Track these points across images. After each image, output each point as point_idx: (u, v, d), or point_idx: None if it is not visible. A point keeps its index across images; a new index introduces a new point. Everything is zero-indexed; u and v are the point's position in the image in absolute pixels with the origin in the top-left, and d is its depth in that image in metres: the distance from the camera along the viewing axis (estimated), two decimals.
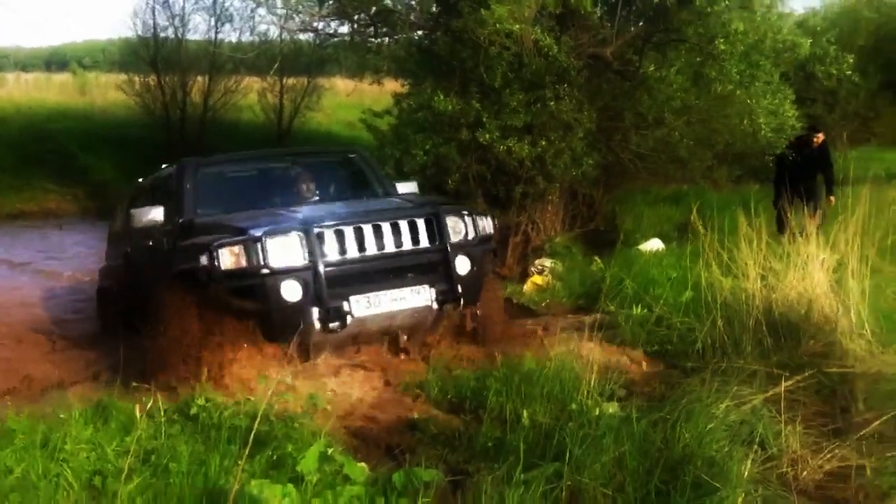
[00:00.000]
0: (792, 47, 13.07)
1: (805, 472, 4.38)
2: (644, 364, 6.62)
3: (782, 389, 4.78)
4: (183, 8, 30.85)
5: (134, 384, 5.67)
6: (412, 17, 12.81)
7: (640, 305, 7.64)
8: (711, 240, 7.06)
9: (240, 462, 3.86)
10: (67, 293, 11.61)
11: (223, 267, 5.94)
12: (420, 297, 6.35)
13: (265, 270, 5.92)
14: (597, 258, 10.58)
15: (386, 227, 6.32)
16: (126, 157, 20.64)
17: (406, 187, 8.09)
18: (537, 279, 10.64)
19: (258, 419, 3.98)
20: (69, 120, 25.14)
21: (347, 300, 6.08)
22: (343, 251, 6.16)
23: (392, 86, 14.35)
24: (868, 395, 5.10)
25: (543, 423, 4.79)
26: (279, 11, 13.46)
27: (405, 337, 6.69)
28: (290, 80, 25.17)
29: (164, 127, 23.18)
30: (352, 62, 15.72)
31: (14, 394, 6.58)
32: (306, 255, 6.01)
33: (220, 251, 5.96)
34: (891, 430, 4.77)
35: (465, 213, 6.82)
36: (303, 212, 6.65)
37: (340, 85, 26.03)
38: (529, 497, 3.73)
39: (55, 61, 55.42)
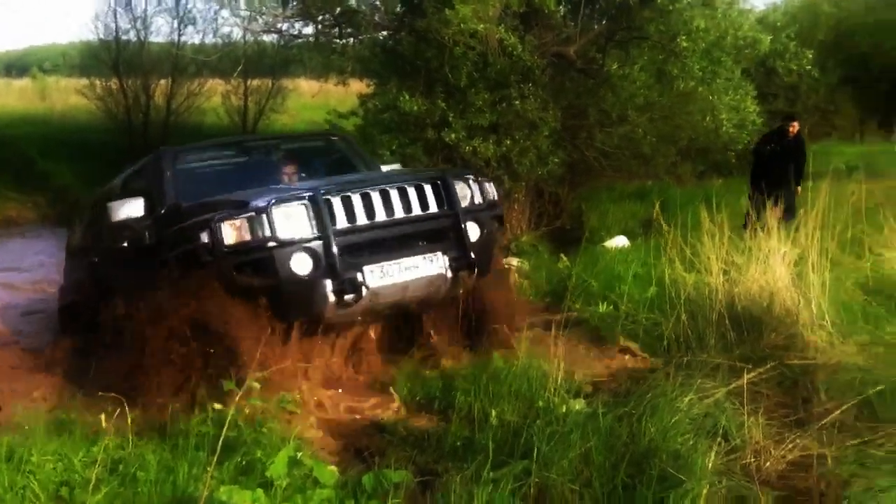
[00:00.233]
0: (753, 44, 13.22)
1: (768, 463, 4.45)
2: (610, 360, 6.68)
3: (745, 382, 4.87)
4: (145, 10, 30.45)
5: (100, 393, 5.59)
6: (376, 18, 12.83)
7: (605, 302, 7.72)
8: (675, 236, 7.14)
9: (209, 469, 3.86)
10: (32, 304, 11.45)
11: (227, 242, 5.59)
12: (434, 265, 6.04)
13: (272, 243, 5.59)
14: (563, 256, 10.66)
15: (394, 193, 6.00)
16: (87, 163, 20.39)
17: (390, 168, 7.80)
18: None
19: (226, 425, 3.97)
20: (29, 125, 24.80)
21: (361, 270, 5.76)
22: (352, 219, 5.83)
23: (357, 86, 14.36)
24: (829, 385, 5.18)
25: (511, 421, 4.84)
26: (243, 13, 13.45)
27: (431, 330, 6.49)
28: (255, 82, 25.05)
29: (126, 131, 22.94)
30: (316, 63, 15.72)
31: None
32: (315, 224, 5.68)
33: (222, 225, 5.59)
34: (851, 419, 4.86)
35: (471, 177, 6.53)
36: (300, 185, 6.32)
37: (305, 86, 25.94)
38: (498, 495, 3.77)
39: (16, 66, 54.65)
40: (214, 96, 24.71)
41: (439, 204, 6.16)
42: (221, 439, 3.75)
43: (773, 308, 6.14)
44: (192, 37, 33.13)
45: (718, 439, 4.44)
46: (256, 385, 4.26)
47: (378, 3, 12.93)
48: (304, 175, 7.53)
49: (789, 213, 9.80)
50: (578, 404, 4.96)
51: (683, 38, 11.66)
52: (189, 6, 26.54)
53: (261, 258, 5.63)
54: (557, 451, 4.21)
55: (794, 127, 11.51)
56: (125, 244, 7.00)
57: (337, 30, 13.31)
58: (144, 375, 5.61)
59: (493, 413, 4.94)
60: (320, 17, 13.10)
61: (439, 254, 6.08)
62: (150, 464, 4.20)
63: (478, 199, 6.39)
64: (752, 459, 4.46)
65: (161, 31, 47.12)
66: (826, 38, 23.59)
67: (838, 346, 5.69)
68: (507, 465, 4.13)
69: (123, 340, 6.07)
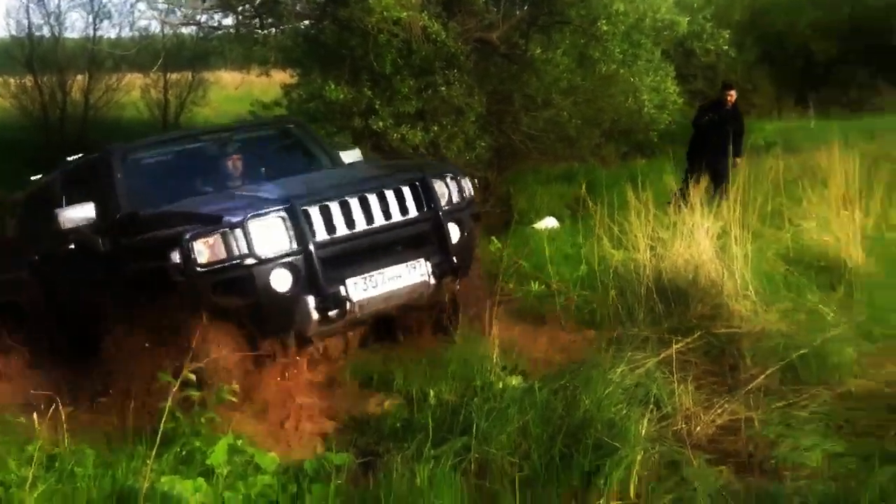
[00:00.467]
0: (671, 25, 13.47)
1: (698, 428, 4.61)
2: (544, 338, 6.78)
3: (674, 352, 5.02)
4: (58, 5, 29.85)
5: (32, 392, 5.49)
6: (298, 7, 12.74)
7: (538, 282, 7.84)
8: (602, 215, 7.29)
9: (148, 461, 3.83)
10: None
11: (200, 261, 5.20)
12: (416, 272, 5.78)
13: (251, 260, 5.24)
14: (494, 238, 10.75)
15: (372, 198, 5.70)
16: (2, 162, 19.84)
17: (350, 155, 7.54)
18: None
19: (164, 417, 3.95)
20: None
21: (344, 284, 5.47)
22: (332, 229, 5.51)
23: (280, 77, 14.24)
24: (754, 352, 5.37)
25: (450, 400, 4.91)
26: (160, 5, 13.19)
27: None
28: (174, 76, 24.61)
29: (42, 128, 22.34)
30: (237, 55, 15.53)
31: None
32: (294, 237, 5.35)
33: (195, 244, 5.20)
34: (776, 383, 5.06)
35: (449, 175, 6.23)
36: (271, 189, 5.99)
37: (226, 78, 25.52)
38: (440, 471, 3.83)
39: None
40: (133, 91, 24.21)
41: (419, 206, 5.90)
42: (160, 431, 3.74)
43: (699, 280, 6.31)
44: (108, 31, 32.34)
45: (650, 407, 4.58)
46: (192, 376, 4.24)
47: None
48: (263, 169, 7.23)
49: (720, 181, 9.87)
50: (515, 381, 5.05)
51: (604, 21, 11.84)
52: (104, 0, 25.91)
53: (239, 277, 5.29)
54: (496, 426, 4.29)
55: (732, 96, 11.31)
56: (73, 247, 6.64)
57: (258, 20, 13.15)
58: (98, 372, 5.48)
59: (432, 393, 5.01)
60: (240, 8, 12.94)
61: (422, 260, 5.84)
62: (87, 459, 4.15)
63: (456, 198, 6.13)
64: (684, 425, 4.61)
65: (76, 26, 46.01)
66: (742, 17, 24.16)
67: (762, 315, 5.89)
68: (447, 442, 4.19)
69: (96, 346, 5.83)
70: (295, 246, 5.35)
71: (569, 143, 13.92)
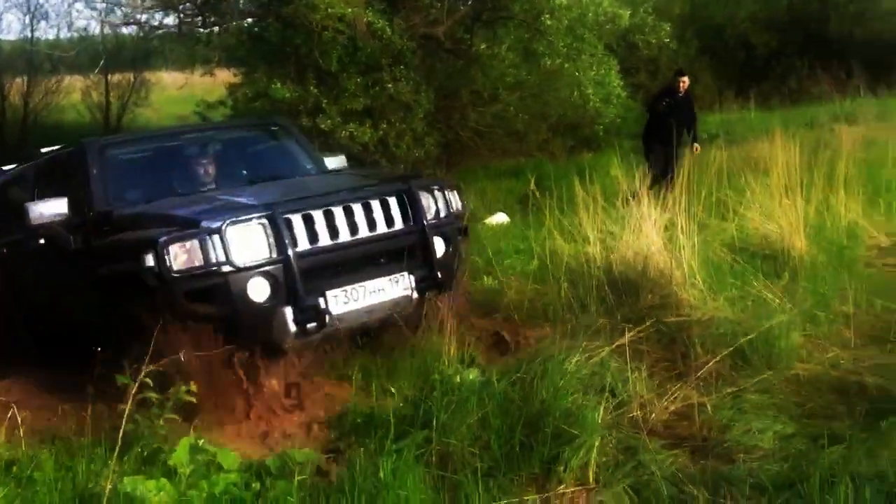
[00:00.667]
0: (613, 19, 13.65)
1: (653, 414, 4.71)
2: (498, 332, 6.85)
3: (626, 341, 5.11)
4: None
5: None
6: (241, 4, 12.67)
7: (490, 277, 7.90)
8: (552, 209, 7.38)
9: (110, 463, 3.81)
10: None
11: (175, 267, 4.98)
12: (399, 286, 5.58)
13: (228, 268, 5.03)
14: None
15: (357, 208, 5.50)
16: None
17: (334, 161, 7.28)
18: None
19: (125, 419, 3.93)
20: None
21: (324, 296, 5.27)
22: (314, 239, 5.31)
23: (224, 76, 14.14)
24: (703, 339, 5.47)
25: (410, 395, 4.96)
26: (98, 5, 13.03)
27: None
28: (116, 77, 24.27)
29: None
30: (179, 54, 15.39)
31: None
32: (273, 246, 5.14)
33: (170, 248, 4.98)
34: (726, 369, 5.19)
35: (436, 187, 6.04)
36: (252, 195, 5.78)
37: (168, 79, 25.28)
38: (403, 463, 3.87)
39: None
40: (74, 93, 23.85)
41: (405, 218, 5.70)
42: (121, 431, 3.72)
43: (648, 271, 6.42)
44: (45, 32, 31.75)
45: (606, 395, 4.67)
46: (149, 381, 4.21)
47: None
48: (244, 171, 7.01)
49: (669, 170, 10.00)
50: (472, 374, 5.10)
51: (547, 16, 11.98)
52: (41, 1, 25.44)
53: (214, 284, 5.08)
54: (456, 418, 4.35)
55: (685, 82, 11.34)
56: (43, 243, 6.35)
57: (200, 18, 13.06)
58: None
59: (393, 389, 5.05)
60: (182, 7, 12.83)
61: (405, 274, 5.63)
62: (46, 463, 4.11)
63: (443, 212, 5.93)
64: (639, 412, 4.71)
65: (12, 27, 44.96)
66: (682, 10, 24.56)
67: (710, 303, 6.01)
68: (408, 435, 4.24)
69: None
70: (274, 255, 5.15)
71: (516, 139, 14.06)
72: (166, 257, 4.96)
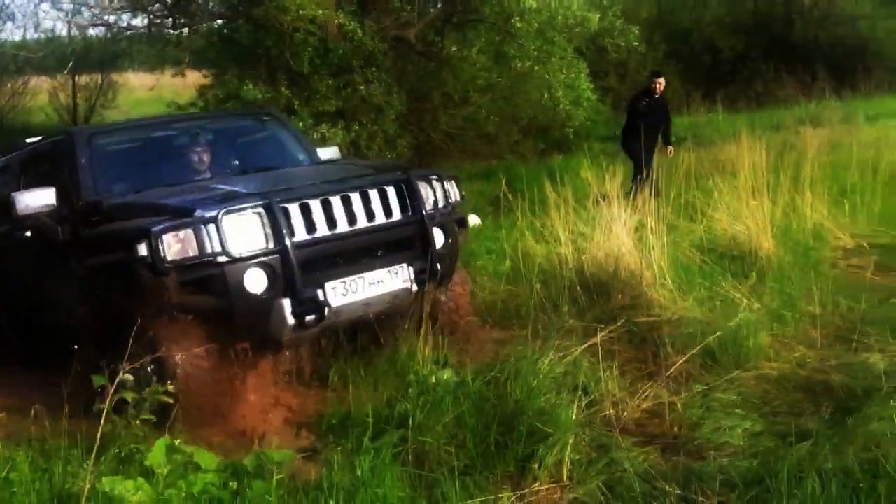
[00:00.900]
0: (582, 22, 13.76)
1: (625, 413, 4.79)
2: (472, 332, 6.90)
3: (598, 341, 5.19)
4: None
5: None
6: (211, 6, 12.63)
7: None
8: (524, 211, 7.45)
9: (87, 464, 3.81)
10: None
11: (169, 257, 4.81)
12: (398, 278, 5.46)
13: (224, 258, 4.89)
14: None
15: (355, 198, 5.39)
16: None
17: (327, 152, 7.22)
18: None
19: (103, 419, 3.93)
20: None
21: (322, 288, 5.13)
22: (312, 229, 5.18)
23: (194, 78, 14.08)
24: (673, 338, 5.57)
25: (385, 395, 5.00)
26: (66, 6, 12.93)
27: None
28: (83, 79, 24.01)
29: None
30: (147, 56, 15.30)
31: None
32: (271, 236, 5.01)
33: (163, 238, 4.81)
34: (696, 368, 5.29)
35: (434, 177, 5.93)
36: (248, 183, 5.65)
37: (135, 80, 25.12)
38: (380, 461, 3.91)
39: None
40: (41, 94, 23.60)
41: (403, 208, 5.60)
42: (99, 432, 3.72)
43: (619, 272, 6.50)
44: (12, 33, 31.37)
45: (579, 394, 4.75)
46: (129, 377, 4.21)
47: None
48: (237, 161, 6.87)
49: (640, 171, 10.09)
50: (447, 374, 5.15)
51: (517, 18, 12.08)
52: (6, 1, 25.15)
53: (210, 275, 4.93)
54: (431, 417, 4.40)
55: (661, 83, 11.38)
56: (29, 234, 6.21)
57: (170, 20, 13.00)
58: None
59: (370, 389, 5.09)
60: (151, 8, 12.77)
61: (405, 265, 5.52)
62: (22, 465, 4.09)
63: (441, 202, 5.83)
64: (611, 410, 4.78)
65: None
66: (650, 14, 24.79)
67: (680, 303, 6.10)
68: (385, 434, 4.29)
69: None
70: (271, 245, 5.02)
71: (488, 141, 14.13)
72: (160, 247, 4.81)
